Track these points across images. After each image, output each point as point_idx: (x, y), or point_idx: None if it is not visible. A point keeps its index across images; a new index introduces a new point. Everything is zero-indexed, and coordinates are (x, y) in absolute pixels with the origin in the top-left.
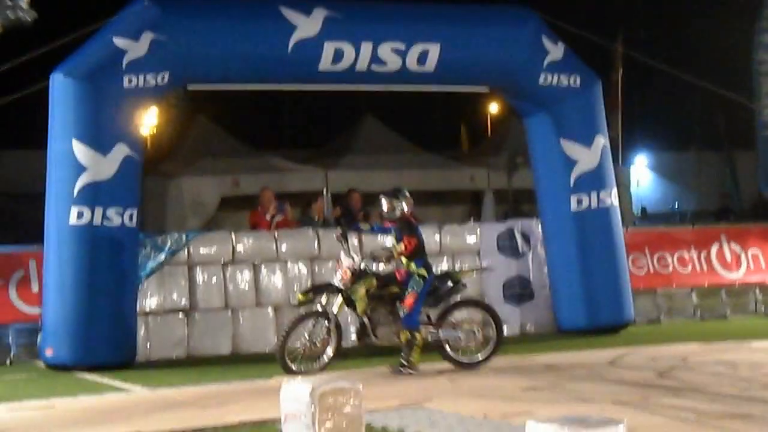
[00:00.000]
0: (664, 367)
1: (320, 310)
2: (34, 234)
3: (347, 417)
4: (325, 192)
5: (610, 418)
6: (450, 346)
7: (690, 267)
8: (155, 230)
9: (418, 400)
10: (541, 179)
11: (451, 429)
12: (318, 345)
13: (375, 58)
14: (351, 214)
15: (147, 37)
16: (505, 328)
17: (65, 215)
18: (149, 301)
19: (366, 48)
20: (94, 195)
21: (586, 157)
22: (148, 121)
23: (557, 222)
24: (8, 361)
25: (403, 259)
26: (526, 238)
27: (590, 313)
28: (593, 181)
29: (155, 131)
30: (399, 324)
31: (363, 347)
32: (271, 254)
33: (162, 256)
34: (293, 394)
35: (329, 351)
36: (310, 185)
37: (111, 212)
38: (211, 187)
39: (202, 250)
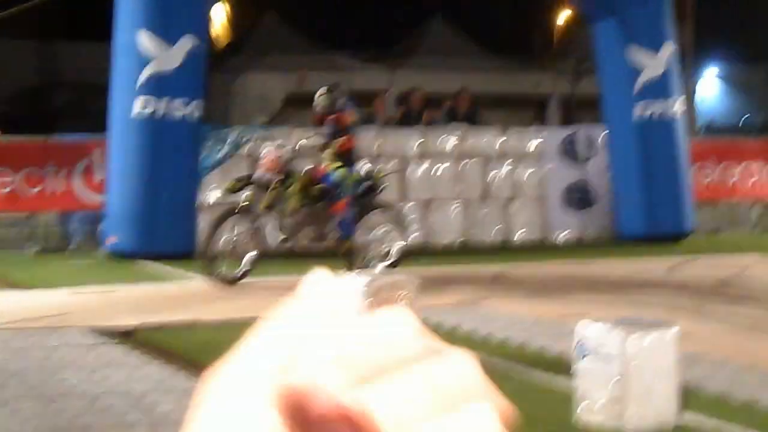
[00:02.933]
0: (721, 277)
1: (242, 206)
2: (100, 124)
3: None
4: (388, 91)
5: (662, 320)
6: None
7: (753, 179)
8: (220, 124)
9: (472, 300)
10: (606, 86)
11: (505, 328)
12: (242, 246)
13: None
14: (412, 114)
15: None
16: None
17: (130, 105)
18: (212, 193)
19: None
20: (160, 86)
21: (653, 64)
22: (216, 15)
23: (621, 129)
24: (72, 248)
25: (330, 161)
26: (589, 144)
27: (650, 221)
28: (659, 89)
29: (223, 26)
30: (323, 225)
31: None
32: None
33: (225, 150)
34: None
35: (253, 253)
36: (375, 84)
37: (176, 103)
38: (276, 84)
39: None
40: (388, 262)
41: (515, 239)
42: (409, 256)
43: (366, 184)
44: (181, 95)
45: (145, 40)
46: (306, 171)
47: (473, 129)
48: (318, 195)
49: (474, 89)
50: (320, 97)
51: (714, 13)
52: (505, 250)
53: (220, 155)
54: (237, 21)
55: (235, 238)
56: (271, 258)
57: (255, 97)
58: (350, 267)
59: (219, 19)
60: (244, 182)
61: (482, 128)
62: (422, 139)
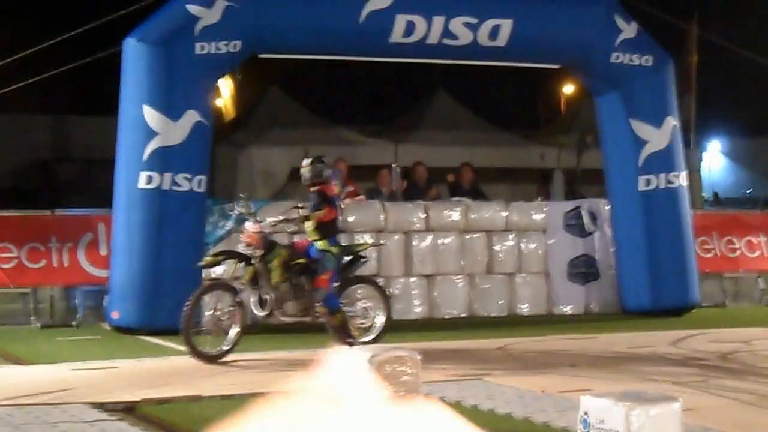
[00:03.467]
0: (727, 350)
1: (223, 281)
2: (106, 199)
3: (405, 386)
4: (394, 165)
5: (666, 395)
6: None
7: (758, 252)
8: (224, 198)
9: (476, 374)
10: (610, 159)
11: (509, 402)
12: (224, 321)
13: (446, 32)
14: (417, 187)
15: (220, 5)
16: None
17: (135, 179)
18: (216, 267)
19: (438, 21)
20: (164, 160)
21: (656, 137)
22: (221, 89)
23: (625, 202)
24: (75, 323)
25: (312, 232)
26: (593, 218)
27: (655, 294)
28: (662, 162)
29: (227, 100)
30: (306, 299)
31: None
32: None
33: (230, 224)
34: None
35: (235, 328)
36: (379, 158)
37: (180, 178)
38: (281, 158)
39: (270, 219)
40: (371, 337)
41: (520, 312)
42: (390, 329)
43: (347, 257)
44: (185, 169)
45: (150, 115)
46: (288, 244)
47: (477, 202)
48: (300, 268)
49: (478, 163)
50: (304, 168)
51: (718, 87)
52: (509, 323)
53: (224, 229)
54: (241, 96)
55: (217, 314)
56: (258, 332)
57: (260, 171)
58: (340, 341)
59: (223, 93)
60: (225, 256)
61: (486, 202)
62: (426, 213)
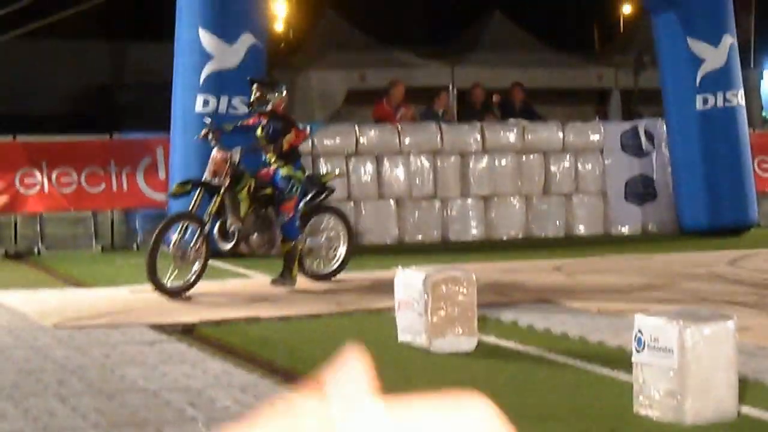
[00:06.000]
0: None
1: (190, 212)
2: (164, 123)
3: (460, 306)
4: (450, 87)
5: (721, 313)
6: (307, 255)
7: None
8: None
9: (532, 294)
10: (667, 78)
11: (564, 322)
12: (190, 254)
13: None
14: (473, 109)
15: None
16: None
17: (191, 103)
18: None
19: None
20: (220, 83)
21: (713, 56)
22: (277, 13)
23: (682, 121)
24: (135, 246)
25: (276, 159)
26: (651, 137)
27: (713, 213)
28: (720, 80)
29: (284, 24)
30: (272, 231)
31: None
32: (394, 147)
33: None
34: (407, 283)
35: (200, 261)
36: (436, 80)
37: (236, 101)
38: (337, 80)
39: (326, 142)
40: (333, 267)
41: (577, 233)
42: (353, 259)
43: (314, 187)
44: (241, 92)
45: (206, 39)
46: (255, 173)
47: (532, 123)
48: (266, 199)
49: (535, 84)
50: (263, 89)
51: None
52: (566, 243)
53: None
54: (296, 19)
55: (182, 246)
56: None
57: (317, 94)
58: (290, 271)
59: (279, 17)
60: (191, 186)
61: (543, 122)
62: (482, 134)
